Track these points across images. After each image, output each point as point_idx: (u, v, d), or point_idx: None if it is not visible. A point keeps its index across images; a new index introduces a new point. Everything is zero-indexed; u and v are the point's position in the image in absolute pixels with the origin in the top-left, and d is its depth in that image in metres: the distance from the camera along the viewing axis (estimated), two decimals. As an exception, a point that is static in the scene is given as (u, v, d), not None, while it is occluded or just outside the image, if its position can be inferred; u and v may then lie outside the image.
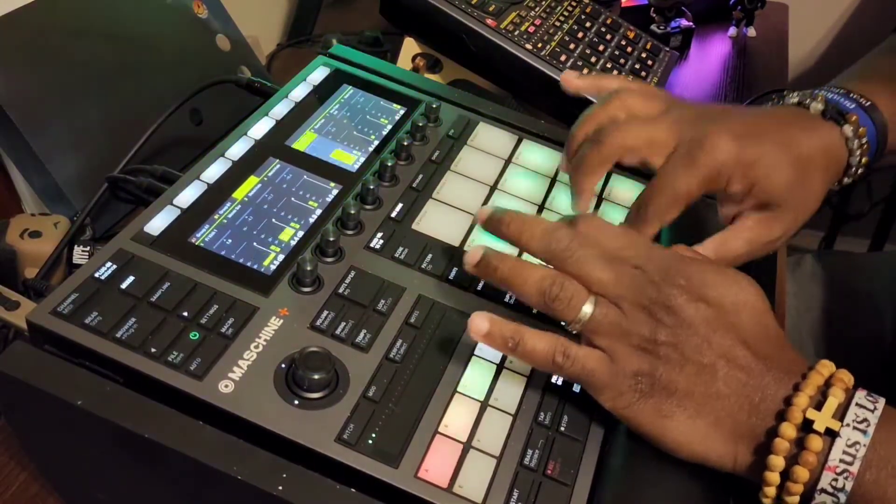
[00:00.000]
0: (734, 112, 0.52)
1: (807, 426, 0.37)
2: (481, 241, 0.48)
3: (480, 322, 0.41)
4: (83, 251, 0.60)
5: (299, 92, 0.60)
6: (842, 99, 0.54)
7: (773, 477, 0.38)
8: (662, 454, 0.40)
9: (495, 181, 0.57)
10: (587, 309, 0.40)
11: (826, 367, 0.39)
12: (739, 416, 0.39)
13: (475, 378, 0.43)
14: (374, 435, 0.39)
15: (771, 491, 0.38)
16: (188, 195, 0.49)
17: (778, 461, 0.37)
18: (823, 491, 0.37)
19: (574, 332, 0.41)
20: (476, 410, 0.41)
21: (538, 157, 0.60)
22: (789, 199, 0.50)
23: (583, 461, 0.41)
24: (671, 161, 0.49)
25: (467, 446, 0.40)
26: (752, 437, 0.39)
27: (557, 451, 0.41)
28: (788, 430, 0.37)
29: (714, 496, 0.40)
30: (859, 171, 0.54)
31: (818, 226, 1.72)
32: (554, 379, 0.44)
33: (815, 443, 0.37)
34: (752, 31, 1.08)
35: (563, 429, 0.42)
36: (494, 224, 0.44)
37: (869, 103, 0.54)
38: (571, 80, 0.57)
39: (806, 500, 0.38)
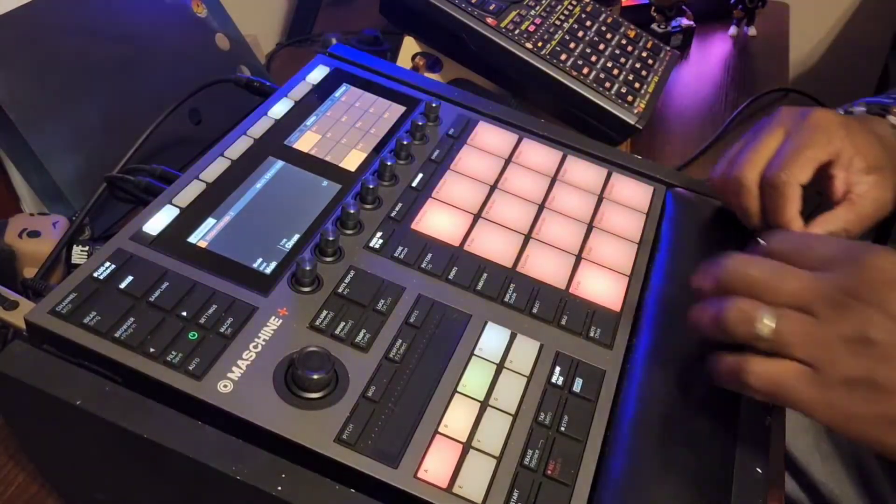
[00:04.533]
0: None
1: None
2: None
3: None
4: (82, 251, 0.60)
5: (299, 91, 0.60)
6: (880, 98, 0.59)
7: None
8: (663, 455, 0.40)
9: (495, 181, 0.57)
10: (768, 322, 0.38)
11: None
12: None
13: (475, 378, 0.43)
14: (373, 435, 0.39)
15: None
16: (187, 195, 0.49)
17: None
18: None
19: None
20: (476, 410, 0.41)
21: (538, 157, 0.60)
22: (887, 162, 0.53)
23: (583, 461, 0.41)
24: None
25: (467, 446, 0.40)
26: None
27: (557, 451, 0.41)
28: None
29: (714, 496, 0.40)
30: None
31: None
32: (554, 379, 0.44)
33: None
34: (752, 31, 1.08)
35: (563, 429, 0.42)
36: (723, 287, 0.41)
37: None
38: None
39: None
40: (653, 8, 0.98)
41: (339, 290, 0.45)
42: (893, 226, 1.55)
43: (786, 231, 0.43)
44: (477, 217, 0.53)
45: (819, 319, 0.38)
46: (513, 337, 0.45)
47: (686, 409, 0.43)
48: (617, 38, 0.84)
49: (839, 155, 0.52)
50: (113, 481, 0.45)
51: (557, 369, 0.44)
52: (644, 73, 0.82)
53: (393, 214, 0.51)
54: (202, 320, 0.42)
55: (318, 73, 0.62)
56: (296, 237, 0.48)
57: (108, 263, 0.44)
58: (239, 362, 0.40)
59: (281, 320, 0.43)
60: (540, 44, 0.77)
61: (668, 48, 0.88)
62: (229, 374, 0.40)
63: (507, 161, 0.59)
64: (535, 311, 0.47)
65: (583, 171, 0.60)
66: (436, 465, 0.38)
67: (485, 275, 0.48)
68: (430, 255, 0.49)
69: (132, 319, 0.41)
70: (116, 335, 0.40)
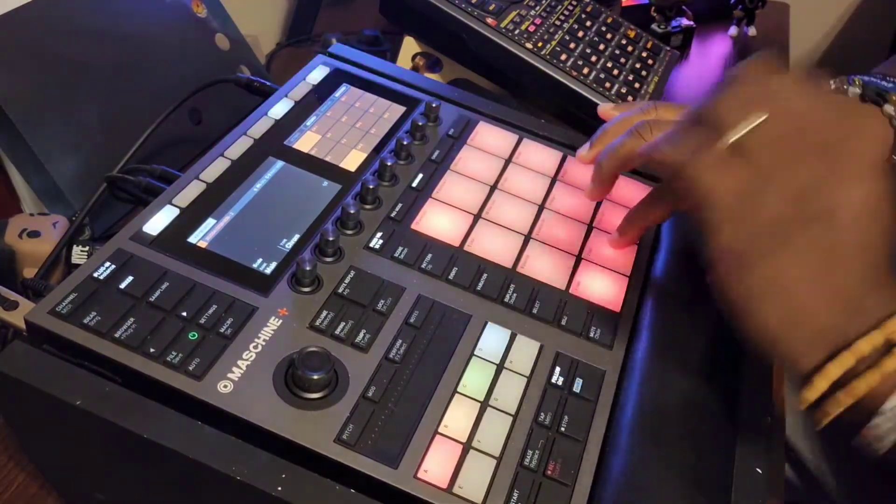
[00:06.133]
0: None
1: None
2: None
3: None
4: (82, 251, 0.60)
5: (299, 91, 0.60)
6: (879, 81, 0.56)
7: (835, 370, 0.37)
8: (663, 454, 0.40)
9: (495, 181, 0.57)
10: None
11: None
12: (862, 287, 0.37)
13: (475, 378, 0.43)
14: (373, 435, 0.39)
15: (823, 384, 0.37)
16: (187, 195, 0.49)
17: (848, 359, 0.36)
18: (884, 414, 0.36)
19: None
20: (476, 410, 0.41)
21: (538, 156, 0.60)
22: None
23: (583, 461, 0.41)
24: None
25: (467, 447, 0.40)
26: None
27: (557, 451, 0.41)
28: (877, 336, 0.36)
29: (714, 496, 0.40)
30: None
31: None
32: (554, 379, 0.44)
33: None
34: (752, 31, 1.08)
35: (563, 429, 0.42)
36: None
37: None
38: (608, 112, 0.58)
39: (864, 412, 0.37)
40: (653, 8, 0.98)
41: (339, 291, 0.45)
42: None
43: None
44: (477, 217, 0.53)
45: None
46: (513, 337, 0.45)
47: (686, 409, 0.43)
48: (617, 38, 0.84)
49: None
50: (113, 481, 0.45)
51: (557, 369, 0.44)
52: (644, 73, 0.82)
53: (393, 215, 0.51)
54: (202, 320, 0.42)
55: (318, 74, 0.62)
56: (296, 237, 0.48)
57: (108, 263, 0.44)
58: (239, 362, 0.40)
59: (281, 320, 0.43)
60: (540, 44, 0.77)
61: (668, 48, 0.88)
62: (229, 375, 0.40)
63: (507, 161, 0.59)
64: (535, 311, 0.47)
65: (583, 172, 0.59)
66: (436, 466, 0.38)
67: (485, 275, 0.48)
68: (430, 256, 0.49)
69: (132, 320, 0.41)
70: (116, 335, 0.40)
